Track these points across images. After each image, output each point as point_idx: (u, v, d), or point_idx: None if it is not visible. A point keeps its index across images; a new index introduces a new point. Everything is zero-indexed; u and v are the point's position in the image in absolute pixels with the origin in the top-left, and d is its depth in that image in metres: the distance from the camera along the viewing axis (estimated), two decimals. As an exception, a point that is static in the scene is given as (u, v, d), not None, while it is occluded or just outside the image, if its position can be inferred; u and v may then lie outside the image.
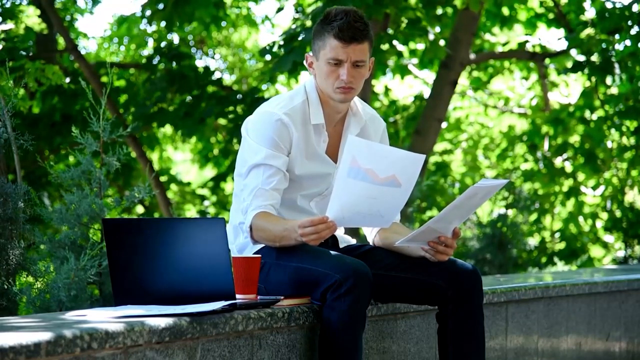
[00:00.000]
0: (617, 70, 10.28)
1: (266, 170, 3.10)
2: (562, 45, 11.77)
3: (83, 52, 12.03)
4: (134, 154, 10.73)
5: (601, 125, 11.49)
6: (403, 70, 11.59)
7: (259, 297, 2.93)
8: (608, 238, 13.33)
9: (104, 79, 10.65)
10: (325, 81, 3.14)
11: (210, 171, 16.24)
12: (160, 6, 9.86)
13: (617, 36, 9.87)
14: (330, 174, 3.24)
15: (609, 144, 12.50)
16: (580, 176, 13.39)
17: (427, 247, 3.06)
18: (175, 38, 12.42)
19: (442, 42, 9.38)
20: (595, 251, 13.98)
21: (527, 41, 11.96)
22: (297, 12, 9.40)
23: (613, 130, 12.02)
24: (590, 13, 10.98)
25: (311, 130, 3.19)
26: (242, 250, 3.21)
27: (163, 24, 10.07)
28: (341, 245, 3.28)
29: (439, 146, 14.51)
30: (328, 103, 3.20)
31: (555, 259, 12.13)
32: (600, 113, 11.42)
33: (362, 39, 3.09)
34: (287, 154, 3.15)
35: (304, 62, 3.25)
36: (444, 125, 12.51)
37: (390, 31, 8.52)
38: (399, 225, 3.26)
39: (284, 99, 3.20)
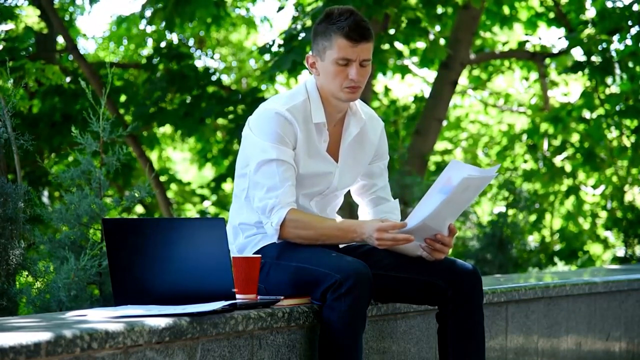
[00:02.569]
0: (618, 70, 10.29)
1: (279, 165, 3.08)
2: (563, 44, 11.77)
3: (82, 52, 12.03)
4: (134, 154, 10.73)
5: (600, 123, 11.48)
6: (403, 70, 11.59)
7: (259, 297, 2.93)
8: (607, 234, 13.33)
9: (104, 79, 10.64)
10: (332, 81, 3.12)
11: (209, 171, 16.23)
12: (160, 5, 9.85)
13: (616, 36, 9.87)
14: (332, 173, 3.24)
15: (609, 142, 12.50)
16: (581, 175, 13.39)
17: (424, 244, 3.06)
18: (175, 38, 12.41)
19: (442, 42, 9.37)
20: (595, 248, 13.98)
21: (527, 41, 11.97)
22: (297, 11, 9.39)
23: (613, 129, 12.03)
24: (590, 13, 10.99)
25: (313, 129, 3.18)
26: (242, 250, 3.21)
27: (163, 24, 10.07)
28: (341, 245, 3.28)
29: (439, 145, 14.51)
30: (329, 102, 3.19)
31: (556, 259, 12.12)
32: (600, 112, 11.42)
33: (369, 37, 3.10)
34: (293, 149, 3.15)
35: (305, 62, 3.24)
36: (444, 124, 12.51)
37: (390, 31, 8.52)
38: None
39: (285, 97, 3.19)
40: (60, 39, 11.51)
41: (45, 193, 11.61)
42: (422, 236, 3.04)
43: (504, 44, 12.91)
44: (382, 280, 3.11)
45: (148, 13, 10.30)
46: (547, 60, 12.34)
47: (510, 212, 8.98)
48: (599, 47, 9.88)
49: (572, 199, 13.51)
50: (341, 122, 3.26)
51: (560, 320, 4.54)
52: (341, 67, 3.09)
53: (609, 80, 10.99)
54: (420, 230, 3.00)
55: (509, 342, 4.17)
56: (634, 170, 12.77)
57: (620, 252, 11.07)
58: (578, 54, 10.80)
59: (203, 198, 14.55)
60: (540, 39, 12.18)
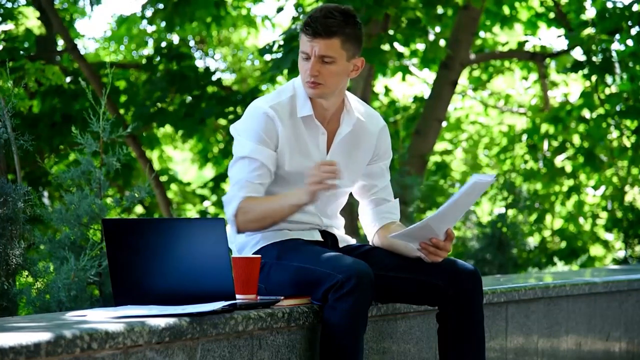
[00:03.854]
0: (618, 70, 10.29)
1: (251, 163, 3.09)
2: (562, 44, 11.78)
3: (83, 52, 12.03)
4: (134, 154, 10.72)
5: (600, 123, 11.48)
6: (404, 70, 11.59)
7: (259, 297, 2.93)
8: (608, 236, 13.34)
9: (104, 79, 10.65)
10: (300, 75, 3.14)
11: (209, 171, 16.23)
12: (161, 6, 9.86)
13: (617, 36, 9.87)
14: None
15: (609, 142, 12.50)
16: (581, 177, 13.39)
17: (413, 247, 3.06)
18: (175, 38, 12.42)
19: (442, 42, 9.37)
20: (596, 250, 13.98)
21: (527, 41, 11.97)
22: (297, 11, 9.40)
23: (613, 129, 12.03)
24: (590, 13, 10.99)
25: (301, 125, 3.16)
26: (241, 250, 3.21)
27: (163, 24, 10.08)
28: (341, 245, 3.28)
29: (439, 146, 14.52)
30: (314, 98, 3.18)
31: (555, 259, 12.13)
32: (600, 111, 11.42)
33: (329, 34, 3.05)
34: (275, 149, 3.13)
35: None
36: (444, 124, 12.52)
37: (390, 32, 8.52)
38: (399, 225, 3.25)
39: (272, 95, 3.19)
40: (60, 40, 11.51)
41: (45, 193, 11.61)
42: (422, 237, 3.04)
43: (503, 44, 12.92)
44: (382, 281, 3.11)
45: (149, 13, 10.31)
46: (547, 60, 12.34)
47: (510, 212, 8.99)
48: (599, 47, 9.89)
49: (572, 199, 13.51)
50: (337, 120, 3.24)
51: (560, 320, 4.54)
52: (303, 60, 3.10)
53: (609, 80, 11.00)
54: (423, 231, 3.00)
55: (509, 342, 4.17)
56: (634, 171, 12.77)
57: (621, 254, 11.08)
58: (578, 53, 10.81)
59: (203, 198, 14.54)
60: (540, 39, 12.19)
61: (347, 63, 3.11)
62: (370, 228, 3.31)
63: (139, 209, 13.24)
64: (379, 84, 14.03)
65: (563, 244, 13.13)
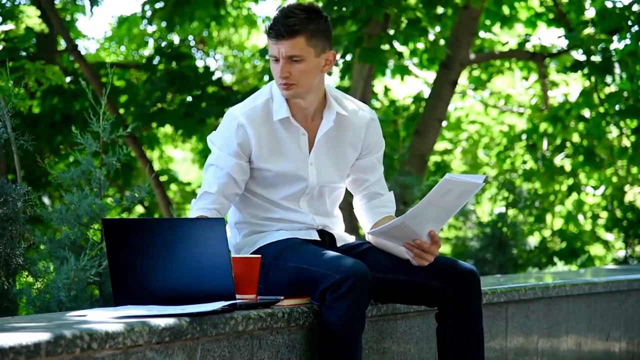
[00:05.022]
0: (617, 70, 10.29)
1: (216, 171, 3.12)
2: (562, 44, 11.78)
3: (83, 52, 12.03)
4: (134, 154, 10.73)
5: (600, 121, 11.48)
6: (403, 71, 11.58)
7: (258, 297, 2.93)
8: (609, 236, 13.34)
9: (104, 79, 10.65)
10: (274, 78, 3.13)
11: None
12: (161, 5, 9.86)
13: (616, 36, 9.88)
14: (304, 169, 3.18)
15: (609, 141, 12.50)
16: (581, 176, 13.38)
17: (404, 248, 3.04)
18: (175, 38, 12.42)
19: (442, 42, 9.38)
20: (596, 250, 13.98)
21: (527, 41, 11.98)
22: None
23: (613, 128, 12.02)
24: (590, 12, 10.99)
25: (279, 127, 3.14)
26: (239, 250, 3.21)
27: (163, 24, 10.08)
28: (339, 244, 3.26)
29: (439, 146, 14.51)
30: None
31: (555, 259, 12.13)
32: (599, 110, 11.42)
33: (292, 34, 3.02)
34: (247, 157, 3.12)
35: None
36: (444, 124, 12.53)
37: (390, 31, 8.52)
38: (392, 219, 3.23)
39: (248, 100, 3.18)
40: (61, 40, 11.52)
41: (46, 193, 11.61)
42: (402, 237, 2.99)
43: (504, 44, 12.92)
44: (381, 283, 3.09)
45: (149, 13, 10.31)
46: (547, 60, 12.35)
47: (510, 212, 8.99)
48: (599, 47, 9.89)
49: (572, 198, 13.50)
50: (320, 117, 3.20)
51: (560, 320, 4.54)
52: (274, 64, 3.08)
53: (608, 79, 10.99)
54: (400, 230, 2.95)
55: (509, 342, 4.17)
56: (634, 170, 12.77)
57: (621, 254, 11.08)
58: (578, 53, 10.81)
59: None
60: (540, 39, 12.19)
61: (317, 59, 3.07)
62: (366, 224, 3.29)
63: (139, 209, 13.24)
64: (379, 84, 14.03)
65: (563, 244, 13.12)
